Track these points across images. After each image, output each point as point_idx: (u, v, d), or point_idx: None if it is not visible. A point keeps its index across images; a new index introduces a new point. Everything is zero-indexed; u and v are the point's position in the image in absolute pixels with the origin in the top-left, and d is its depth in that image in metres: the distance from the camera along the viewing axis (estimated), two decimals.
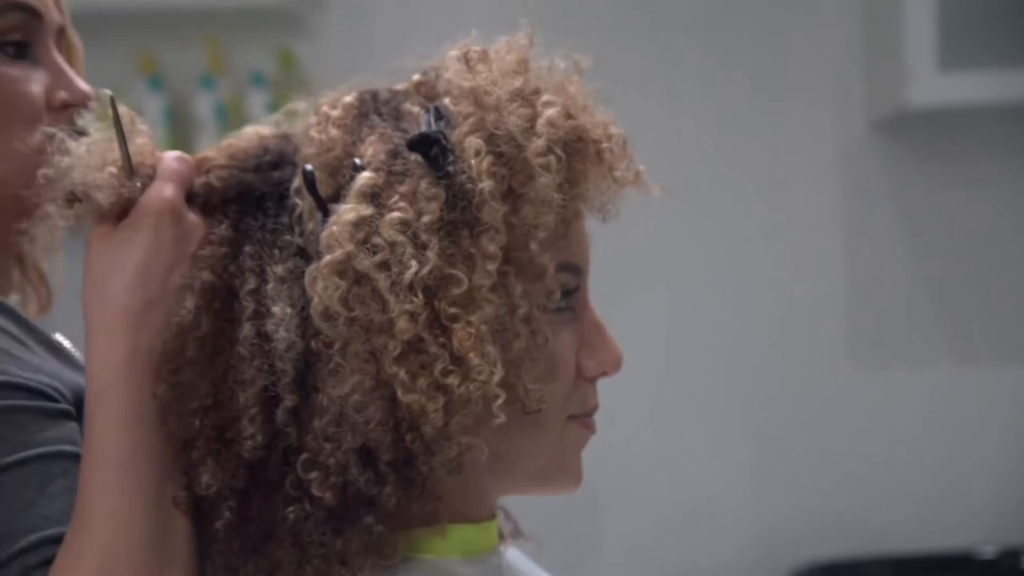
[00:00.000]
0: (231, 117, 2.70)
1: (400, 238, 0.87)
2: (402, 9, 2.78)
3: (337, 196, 0.91)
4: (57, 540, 0.91)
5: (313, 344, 0.88)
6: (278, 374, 0.89)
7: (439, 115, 0.92)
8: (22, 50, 1.06)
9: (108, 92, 0.98)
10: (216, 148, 0.99)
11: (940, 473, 2.82)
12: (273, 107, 2.61)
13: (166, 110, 2.71)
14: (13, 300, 1.11)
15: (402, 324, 0.86)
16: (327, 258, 0.87)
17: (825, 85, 2.81)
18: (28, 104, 1.05)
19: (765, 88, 2.81)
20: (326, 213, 0.90)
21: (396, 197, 0.88)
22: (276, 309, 0.89)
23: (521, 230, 0.90)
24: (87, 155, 0.94)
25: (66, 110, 1.05)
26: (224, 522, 0.90)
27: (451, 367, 0.86)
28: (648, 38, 2.80)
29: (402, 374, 0.86)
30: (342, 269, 0.87)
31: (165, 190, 0.94)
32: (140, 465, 0.90)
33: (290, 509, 0.88)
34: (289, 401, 0.88)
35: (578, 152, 0.93)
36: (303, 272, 0.90)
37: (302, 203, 0.93)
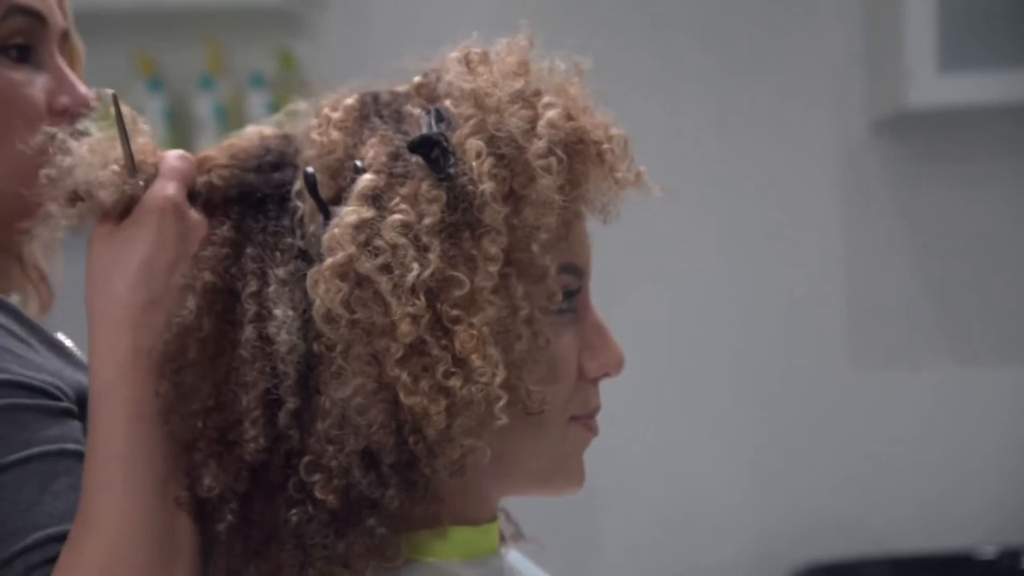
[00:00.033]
0: (231, 118, 2.70)
1: (402, 240, 0.87)
2: (402, 9, 2.78)
3: (338, 198, 0.91)
4: (61, 538, 0.91)
5: (315, 347, 0.88)
6: (280, 377, 0.89)
7: (440, 117, 0.92)
8: (25, 54, 1.06)
9: (109, 91, 0.99)
10: (217, 147, 0.99)
11: (940, 473, 2.82)
12: (273, 107, 2.62)
13: (166, 111, 2.71)
14: (14, 300, 1.11)
15: (404, 327, 0.86)
16: (329, 261, 0.87)
17: (825, 85, 2.81)
18: (30, 108, 1.05)
19: (765, 88, 2.81)
20: (327, 216, 0.90)
21: (397, 199, 0.88)
22: (278, 312, 0.90)
23: (522, 232, 0.90)
24: (89, 155, 0.95)
25: (67, 115, 1.05)
26: (226, 524, 0.90)
27: (453, 369, 0.86)
28: (648, 38, 2.80)
29: (404, 376, 0.86)
30: (344, 272, 0.87)
31: (167, 188, 0.94)
32: (144, 463, 0.91)
33: (292, 512, 0.88)
34: (291, 404, 0.89)
35: (579, 153, 0.93)
36: (305, 275, 0.90)
37: (303, 205, 0.93)
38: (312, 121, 0.96)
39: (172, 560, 0.91)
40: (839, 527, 2.80)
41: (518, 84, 0.92)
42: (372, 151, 0.91)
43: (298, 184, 0.93)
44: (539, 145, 0.90)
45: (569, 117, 0.93)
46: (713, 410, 2.83)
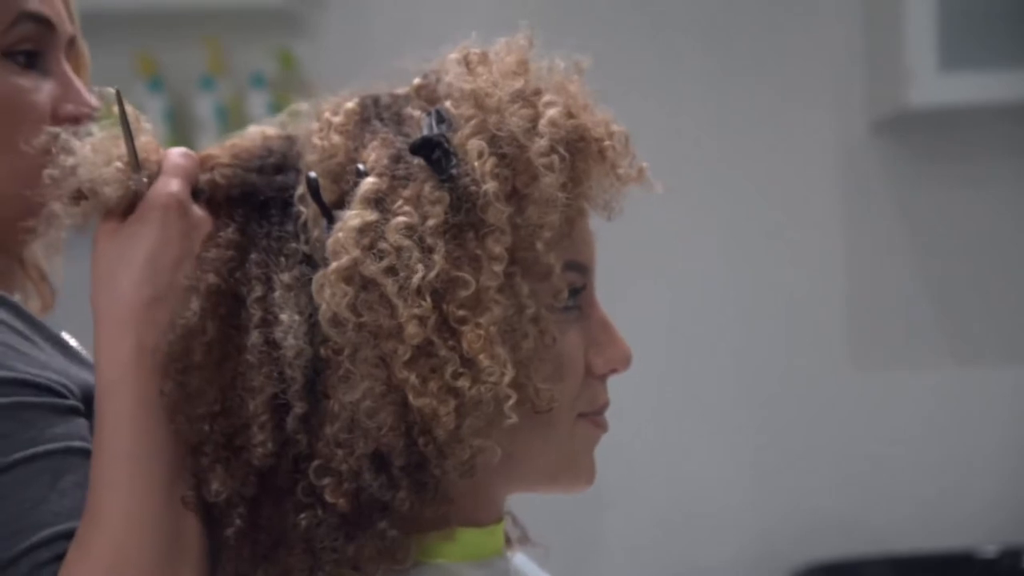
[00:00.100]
0: (232, 118, 2.70)
1: (406, 242, 0.87)
2: (402, 9, 2.78)
3: (341, 202, 0.91)
4: (68, 536, 0.91)
5: (322, 351, 0.89)
6: (287, 381, 0.89)
7: (441, 118, 0.92)
8: (33, 60, 1.07)
9: (111, 90, 0.99)
10: (220, 146, 0.99)
11: (940, 473, 2.82)
12: (274, 107, 2.62)
13: (166, 111, 2.71)
14: (16, 299, 1.12)
15: (411, 328, 0.86)
16: (334, 265, 0.88)
17: (825, 85, 2.81)
18: (36, 115, 1.06)
19: (765, 88, 2.81)
20: (331, 220, 0.90)
21: (400, 202, 0.89)
22: (284, 316, 0.90)
23: (526, 230, 0.90)
24: (92, 153, 0.95)
25: (71, 122, 1.05)
26: (234, 529, 0.90)
27: (461, 369, 0.86)
28: (648, 38, 2.80)
29: (413, 378, 0.86)
30: (349, 275, 0.87)
31: (171, 184, 0.95)
32: (150, 460, 0.91)
33: (302, 516, 0.88)
34: (299, 408, 0.89)
35: (581, 151, 0.93)
36: (310, 279, 0.90)
37: (306, 210, 0.93)
38: (313, 125, 0.96)
39: (178, 558, 0.91)
40: (839, 527, 2.80)
41: (518, 83, 0.92)
42: (374, 154, 0.91)
43: (301, 189, 0.93)
44: (541, 143, 0.90)
45: (570, 115, 0.93)
46: (713, 410, 2.84)
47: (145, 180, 0.95)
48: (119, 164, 0.94)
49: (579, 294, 0.96)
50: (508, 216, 0.89)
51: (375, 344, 0.87)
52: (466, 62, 0.94)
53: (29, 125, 1.04)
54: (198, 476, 0.90)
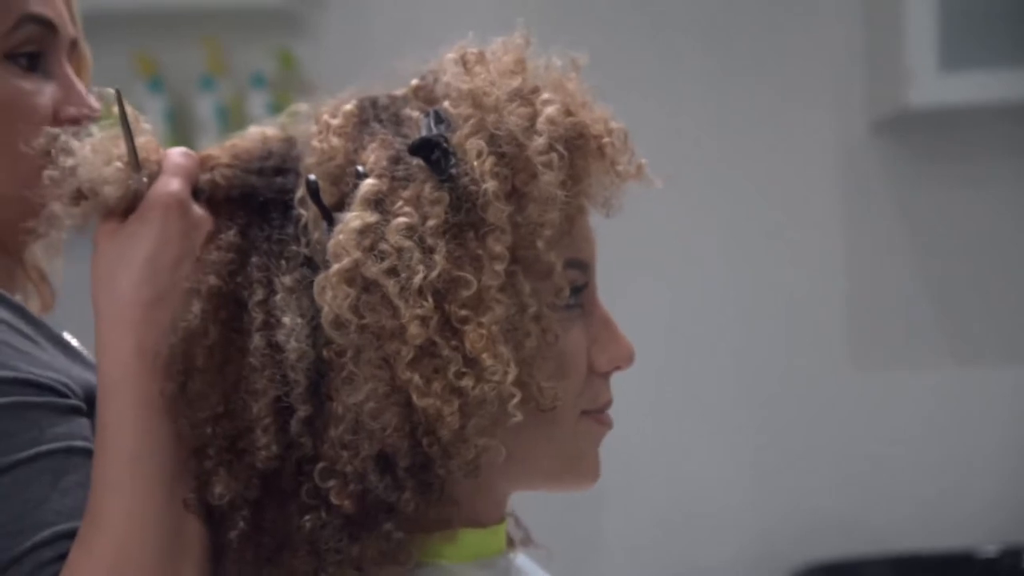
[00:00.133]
0: (232, 118, 2.70)
1: (407, 243, 0.87)
2: (402, 9, 2.78)
3: (341, 205, 0.91)
4: (70, 535, 0.91)
5: (325, 353, 0.88)
6: (291, 384, 0.89)
7: (439, 119, 0.92)
8: (35, 62, 1.07)
9: (111, 91, 0.99)
10: (220, 147, 0.99)
11: (940, 473, 2.82)
12: (274, 107, 2.63)
13: (166, 111, 2.71)
14: (17, 299, 1.12)
15: (413, 329, 0.86)
16: (335, 267, 0.87)
17: (825, 85, 2.81)
18: (37, 117, 1.06)
19: (765, 88, 2.81)
20: (331, 222, 0.90)
21: (400, 202, 0.89)
22: (286, 319, 0.90)
23: (527, 229, 0.90)
24: (92, 154, 0.95)
25: (73, 125, 1.06)
26: (238, 532, 0.90)
27: (465, 369, 0.86)
28: (648, 38, 2.80)
29: (416, 379, 0.86)
30: (351, 277, 0.87)
31: (172, 184, 0.95)
32: (152, 460, 0.91)
33: (306, 518, 0.88)
34: (303, 411, 0.89)
35: (579, 148, 0.93)
36: (311, 282, 0.90)
37: (307, 213, 0.93)
38: (311, 128, 0.96)
39: (180, 558, 0.91)
40: (839, 527, 2.80)
41: (515, 82, 0.92)
42: (373, 156, 0.91)
43: (300, 192, 0.93)
44: (539, 142, 0.90)
45: (568, 113, 0.93)
46: (713, 410, 2.84)
47: (145, 180, 0.95)
48: (119, 164, 0.95)
49: (581, 292, 0.96)
50: (508, 215, 0.89)
51: (378, 345, 0.87)
52: (463, 62, 0.94)
53: (31, 127, 1.04)
54: (201, 479, 0.90)
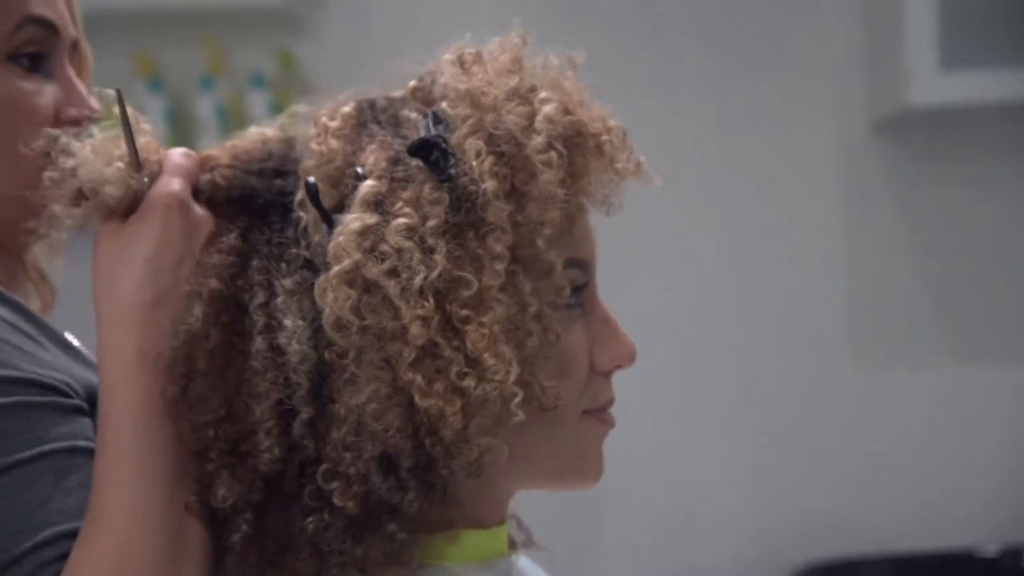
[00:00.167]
0: (232, 118, 2.70)
1: (407, 244, 0.87)
2: (402, 9, 2.78)
3: (341, 207, 0.91)
4: (72, 535, 0.91)
5: (326, 355, 0.88)
6: (293, 387, 0.89)
7: (437, 119, 0.92)
8: (36, 63, 1.07)
9: (111, 91, 1.00)
10: (220, 147, 0.99)
11: (940, 473, 2.82)
12: (274, 107, 2.63)
13: (166, 111, 2.71)
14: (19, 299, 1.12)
15: (415, 330, 0.86)
16: (335, 269, 0.87)
17: (825, 85, 2.81)
18: (38, 118, 1.06)
19: (765, 88, 2.81)
20: (331, 224, 0.90)
21: (400, 203, 0.89)
22: (287, 322, 0.90)
23: (527, 228, 0.90)
24: (92, 155, 0.95)
25: (74, 126, 1.06)
26: (241, 535, 0.90)
27: (467, 369, 0.86)
28: (648, 38, 2.80)
29: (418, 379, 0.86)
30: (351, 279, 0.87)
31: (172, 184, 0.95)
32: (154, 460, 0.91)
33: (309, 520, 0.89)
34: (305, 413, 0.89)
35: (578, 146, 0.93)
36: (312, 284, 0.90)
37: (306, 216, 0.93)
38: (310, 131, 0.96)
39: (181, 558, 0.91)
40: (839, 527, 2.80)
41: (513, 81, 0.92)
42: (372, 157, 0.91)
43: (300, 194, 0.93)
44: (538, 141, 0.90)
45: (566, 111, 0.93)
46: (713, 410, 2.84)
47: (146, 180, 0.95)
48: (120, 164, 0.95)
49: (581, 291, 0.96)
50: (508, 214, 0.89)
51: (379, 346, 0.87)
52: (461, 62, 0.94)
53: (32, 128, 1.04)
54: (203, 482, 0.90)
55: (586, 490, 0.99)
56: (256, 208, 0.96)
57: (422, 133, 0.91)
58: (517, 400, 0.88)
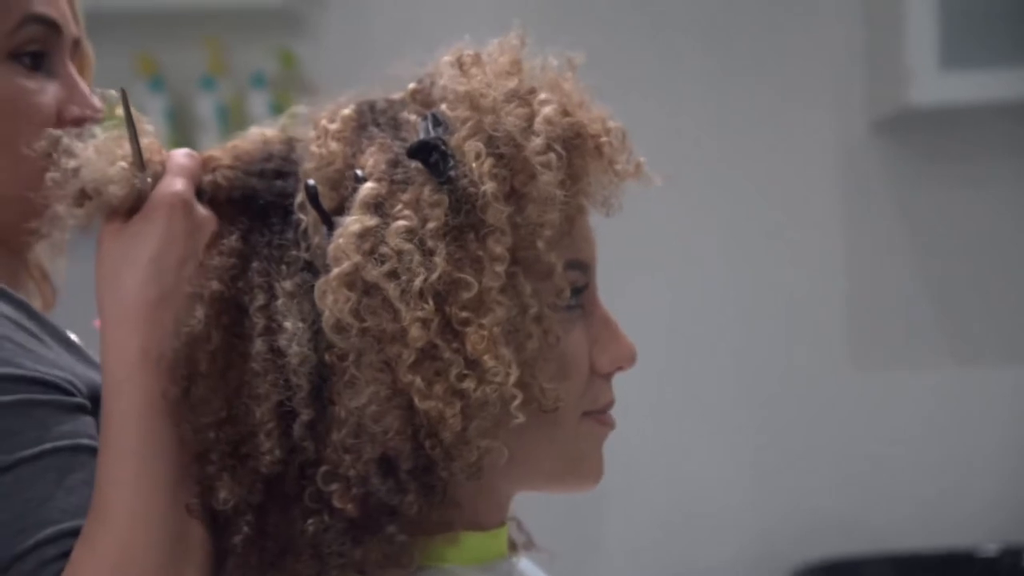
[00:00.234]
0: (232, 117, 2.70)
1: (407, 246, 0.87)
2: (403, 9, 2.78)
3: (341, 209, 0.91)
4: (75, 533, 0.91)
5: (326, 357, 0.88)
6: (293, 389, 0.89)
7: (437, 121, 0.92)
8: (38, 61, 1.07)
9: (113, 92, 1.00)
10: (221, 148, 0.99)
11: (940, 473, 2.82)
12: (274, 107, 2.63)
13: (167, 111, 2.71)
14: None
15: (415, 332, 0.86)
16: (335, 271, 0.87)
17: (825, 85, 2.81)
18: (40, 117, 1.06)
19: (765, 88, 2.81)
20: (331, 226, 0.90)
21: (400, 206, 0.88)
22: (287, 324, 0.90)
23: (526, 230, 0.90)
24: (95, 155, 0.95)
25: (76, 125, 1.06)
26: (242, 537, 0.90)
27: (466, 371, 0.86)
28: (648, 38, 2.80)
29: (418, 381, 0.86)
30: (351, 281, 0.87)
31: (176, 184, 0.95)
32: (156, 460, 0.91)
33: (309, 522, 0.89)
34: (305, 415, 0.89)
35: (577, 148, 0.93)
36: (312, 286, 0.90)
37: (306, 218, 0.93)
38: (310, 133, 0.96)
39: (183, 559, 0.91)
40: (839, 527, 2.80)
41: (512, 83, 0.92)
42: (372, 159, 0.91)
43: (300, 197, 0.93)
44: (537, 142, 0.90)
45: (565, 112, 0.93)
46: (713, 410, 2.84)
47: (150, 180, 0.95)
48: (123, 164, 0.95)
49: (581, 293, 0.96)
50: (508, 216, 0.89)
51: (379, 348, 0.87)
52: (460, 64, 0.94)
53: (34, 127, 1.04)
54: (204, 484, 0.90)
55: (586, 492, 0.99)
56: (257, 209, 0.96)
57: (421, 135, 0.91)
58: (517, 402, 0.88)
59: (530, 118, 0.91)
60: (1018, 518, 2.76)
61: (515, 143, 0.90)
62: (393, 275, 0.87)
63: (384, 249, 0.87)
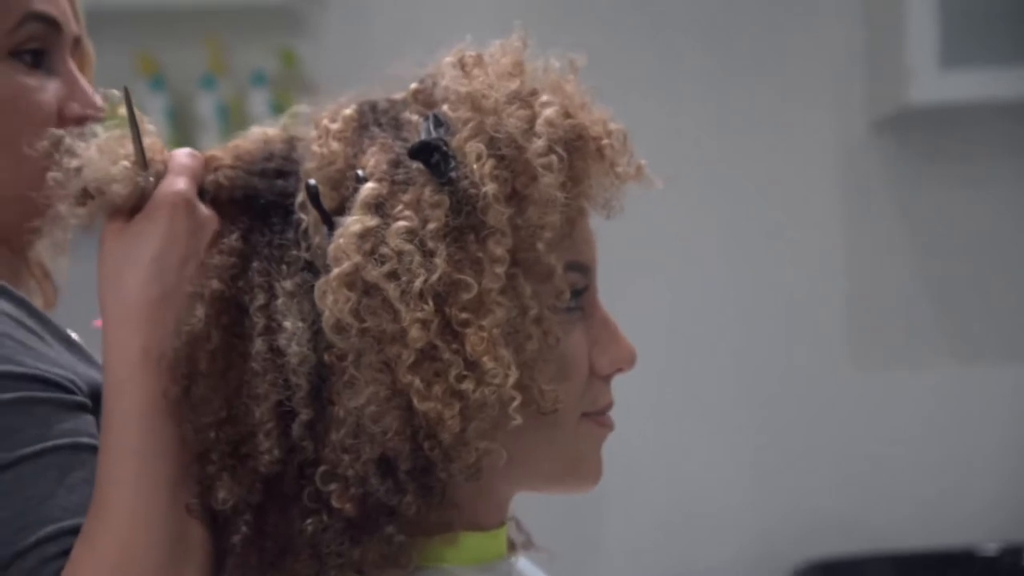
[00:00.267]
0: (233, 116, 2.70)
1: (407, 247, 0.87)
2: (403, 8, 2.78)
3: (342, 209, 0.91)
4: (75, 531, 0.91)
5: (326, 357, 0.89)
6: (292, 388, 0.89)
7: (438, 122, 0.92)
8: (39, 59, 1.07)
9: (116, 92, 1.00)
10: (222, 148, 0.99)
11: (940, 473, 2.82)
12: (275, 106, 2.63)
13: (168, 110, 2.71)
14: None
15: (414, 332, 0.86)
16: (336, 271, 0.88)
17: (825, 85, 2.81)
18: (42, 114, 1.06)
19: (765, 88, 2.81)
20: (331, 226, 0.90)
21: (401, 206, 0.89)
22: (287, 324, 0.90)
23: (527, 231, 0.90)
24: (98, 154, 0.95)
25: (77, 122, 1.06)
26: (241, 536, 0.90)
27: (465, 372, 0.86)
28: (648, 38, 2.80)
29: (417, 382, 0.86)
30: (351, 281, 0.87)
31: (178, 183, 0.95)
32: (157, 459, 0.91)
33: (308, 521, 0.89)
34: (305, 415, 0.89)
35: (579, 150, 0.93)
36: (312, 286, 0.90)
37: (307, 217, 0.93)
38: (311, 133, 0.96)
39: (183, 558, 0.91)
40: (839, 527, 2.81)
41: (514, 84, 0.92)
42: (373, 159, 0.91)
43: (301, 196, 0.93)
44: (539, 144, 0.90)
45: (567, 114, 0.93)
46: (713, 410, 2.84)
47: (152, 180, 0.95)
48: (126, 163, 0.95)
49: (581, 294, 0.96)
50: (508, 217, 0.89)
51: (379, 349, 0.87)
52: (461, 65, 0.94)
53: (35, 125, 1.04)
54: (204, 484, 0.91)
55: (585, 493, 0.99)
56: (257, 209, 0.96)
57: (423, 136, 0.91)
58: (516, 404, 0.88)
59: (532, 120, 0.91)
60: (1018, 517, 2.76)
61: (516, 145, 0.90)
62: (393, 276, 0.87)
63: (384, 249, 0.87)
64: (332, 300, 0.87)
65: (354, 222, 0.88)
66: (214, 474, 0.90)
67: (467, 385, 0.86)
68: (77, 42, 1.12)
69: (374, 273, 0.87)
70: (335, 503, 0.88)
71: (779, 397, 2.83)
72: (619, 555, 2.83)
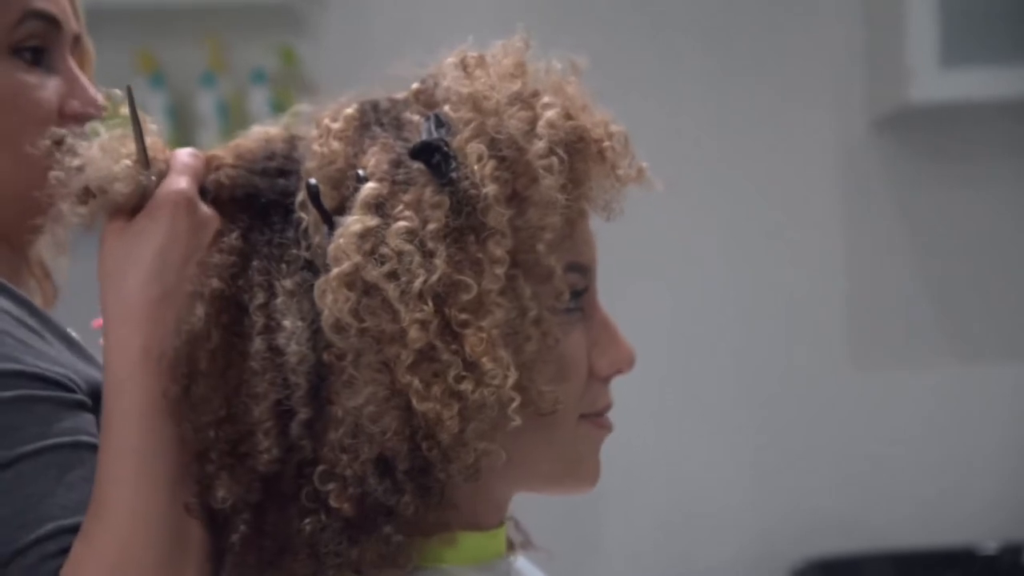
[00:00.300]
0: (233, 115, 2.70)
1: (407, 247, 0.87)
2: (403, 7, 2.78)
3: (342, 208, 0.91)
4: (75, 529, 0.91)
5: (325, 357, 0.88)
6: (291, 387, 0.89)
7: (439, 122, 0.92)
8: (39, 56, 1.08)
9: (117, 91, 1.00)
10: (223, 147, 0.99)
11: (940, 472, 2.82)
12: (275, 104, 2.63)
13: (167, 108, 2.71)
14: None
15: (413, 333, 0.86)
16: (335, 270, 0.87)
17: (825, 85, 2.81)
18: (42, 112, 1.06)
19: (765, 88, 2.81)
20: (332, 226, 0.90)
21: (401, 206, 0.88)
22: (287, 323, 0.90)
23: (527, 233, 0.90)
24: (100, 153, 0.95)
25: (78, 119, 1.06)
26: (239, 535, 0.90)
27: (464, 373, 0.86)
28: (648, 38, 2.80)
29: (416, 383, 0.86)
30: (351, 281, 0.87)
31: (180, 182, 0.95)
32: (157, 458, 0.91)
33: (306, 521, 0.89)
34: (303, 414, 0.89)
35: (580, 152, 0.93)
36: (311, 285, 0.90)
37: (307, 217, 0.93)
38: (312, 132, 0.96)
39: (182, 558, 0.91)
40: (839, 527, 2.81)
41: (515, 86, 0.92)
42: (374, 159, 0.91)
43: (301, 195, 0.93)
44: (539, 146, 0.90)
45: (568, 116, 0.93)
46: (713, 410, 2.84)
47: (154, 179, 0.95)
48: (128, 162, 0.95)
49: (581, 296, 0.96)
50: (509, 219, 0.89)
51: (378, 349, 0.87)
52: (463, 66, 0.94)
53: (35, 122, 1.04)
54: (203, 483, 0.91)
55: (583, 494, 0.99)
56: (258, 208, 0.96)
57: (424, 136, 0.91)
58: (514, 405, 0.88)
59: (533, 121, 0.91)
60: (1018, 516, 2.77)
61: (517, 146, 0.90)
62: (393, 276, 0.87)
63: (384, 250, 0.87)
64: (332, 299, 0.87)
65: (354, 222, 0.88)
66: (213, 473, 0.90)
67: (466, 386, 0.86)
68: (77, 40, 1.12)
69: (374, 273, 0.87)
70: (333, 503, 0.88)
71: (779, 397, 2.83)
72: (618, 555, 2.83)
